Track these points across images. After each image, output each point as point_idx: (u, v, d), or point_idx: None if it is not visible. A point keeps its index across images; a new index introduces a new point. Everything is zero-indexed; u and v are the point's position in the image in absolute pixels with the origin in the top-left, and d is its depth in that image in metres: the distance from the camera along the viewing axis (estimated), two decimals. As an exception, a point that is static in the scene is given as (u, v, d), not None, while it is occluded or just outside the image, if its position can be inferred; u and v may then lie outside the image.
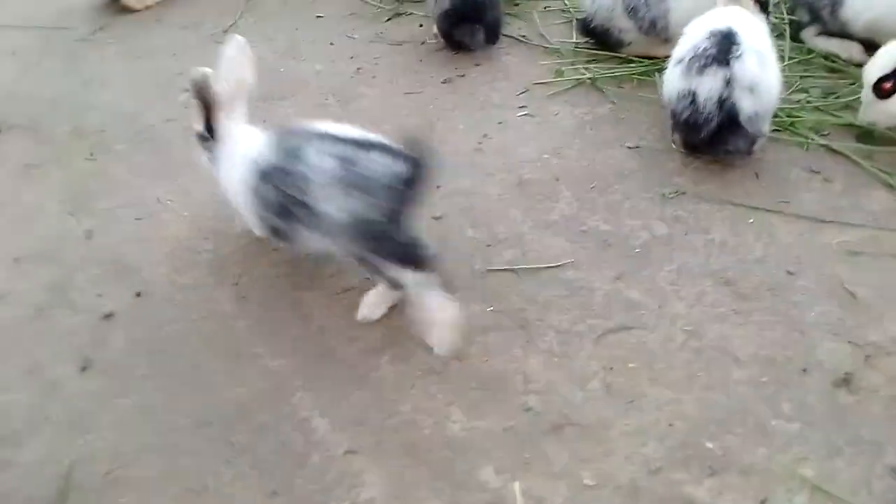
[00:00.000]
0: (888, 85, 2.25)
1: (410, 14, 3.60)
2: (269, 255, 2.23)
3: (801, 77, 2.72)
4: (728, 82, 2.20)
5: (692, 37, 2.32)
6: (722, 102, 2.22)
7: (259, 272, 2.19)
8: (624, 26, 2.85)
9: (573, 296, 2.00)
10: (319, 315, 2.02)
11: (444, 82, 3.05)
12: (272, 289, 2.13)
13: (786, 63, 2.76)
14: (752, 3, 2.42)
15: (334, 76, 3.16)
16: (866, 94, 2.31)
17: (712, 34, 2.26)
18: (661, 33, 2.78)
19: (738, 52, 2.20)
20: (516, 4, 3.49)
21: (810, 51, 2.83)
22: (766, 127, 2.32)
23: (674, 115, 2.35)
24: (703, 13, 2.47)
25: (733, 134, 2.26)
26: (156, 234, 2.37)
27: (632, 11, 2.79)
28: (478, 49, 3.17)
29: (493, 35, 3.19)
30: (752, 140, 2.30)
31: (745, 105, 2.21)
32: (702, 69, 2.24)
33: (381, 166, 1.74)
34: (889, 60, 2.26)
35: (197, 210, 2.45)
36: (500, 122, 2.76)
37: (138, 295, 2.14)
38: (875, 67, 2.28)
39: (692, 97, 2.26)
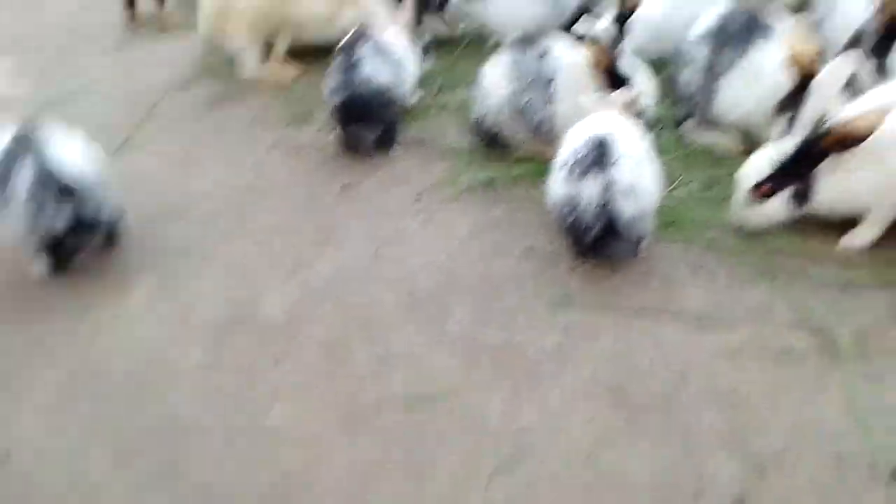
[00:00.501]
0: (765, 189, 2.33)
1: (311, 117, 3.61)
2: None
3: (684, 171, 2.81)
4: (607, 188, 2.25)
5: (572, 143, 2.38)
6: (603, 208, 2.26)
7: None
8: (513, 129, 2.91)
9: (466, 431, 1.94)
10: None
11: (342, 189, 3.04)
12: None
13: (668, 157, 2.86)
14: (626, 108, 2.51)
15: (231, 189, 3.11)
16: (740, 195, 2.39)
17: (590, 140, 2.31)
18: (547, 135, 2.84)
19: (615, 158, 2.26)
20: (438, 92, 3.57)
21: (691, 144, 2.94)
22: (650, 227, 2.37)
23: (559, 220, 2.38)
24: (585, 116, 2.56)
25: (617, 238, 2.30)
26: None
27: (518, 115, 2.85)
28: (373, 152, 3.19)
29: (388, 138, 3.21)
30: (637, 242, 2.35)
31: (626, 209, 2.26)
32: (582, 175, 2.28)
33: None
34: (765, 164, 2.35)
35: None
36: (396, 230, 2.75)
37: None
38: (751, 171, 2.37)
39: (574, 203, 2.29)
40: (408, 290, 2.42)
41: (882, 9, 2.66)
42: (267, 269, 2.63)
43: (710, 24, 2.80)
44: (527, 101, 2.81)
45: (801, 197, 2.33)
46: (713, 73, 2.75)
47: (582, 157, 2.29)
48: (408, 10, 3.45)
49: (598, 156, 2.27)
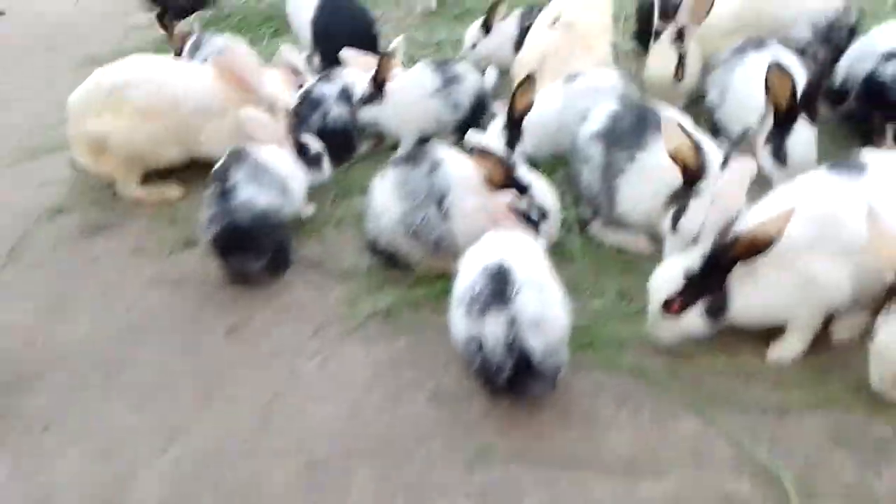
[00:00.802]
0: (677, 305, 2.16)
1: (196, 241, 3.28)
2: None
3: (596, 279, 2.63)
4: (512, 324, 2.02)
5: (466, 274, 2.16)
6: (510, 347, 2.02)
7: None
8: (409, 248, 2.68)
9: None
10: None
11: (228, 331, 2.72)
12: None
13: (578, 264, 2.68)
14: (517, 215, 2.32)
15: (102, 339, 2.75)
16: (654, 309, 2.21)
17: (486, 271, 2.09)
18: (448, 251, 2.63)
19: (516, 288, 2.04)
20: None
21: (600, 245, 2.77)
22: (564, 355, 2.14)
23: (466, 361, 2.14)
24: (485, 231, 2.36)
25: (531, 376, 2.06)
26: None
27: (413, 234, 2.63)
28: (265, 279, 2.89)
29: (279, 263, 2.93)
30: (553, 375, 2.12)
31: (536, 345, 2.03)
32: (482, 312, 2.05)
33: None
34: (674, 277, 2.17)
35: None
36: (291, 375, 2.45)
37: None
38: (661, 284, 2.20)
39: (478, 345, 2.05)
40: (304, 460, 2.11)
41: (772, 96, 2.59)
42: (140, 441, 2.28)
43: (601, 121, 2.67)
44: (421, 220, 2.59)
45: (717, 310, 2.16)
46: (610, 172, 2.60)
47: (479, 291, 2.06)
48: (283, 123, 3.20)
49: (497, 289, 2.05)
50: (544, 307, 2.07)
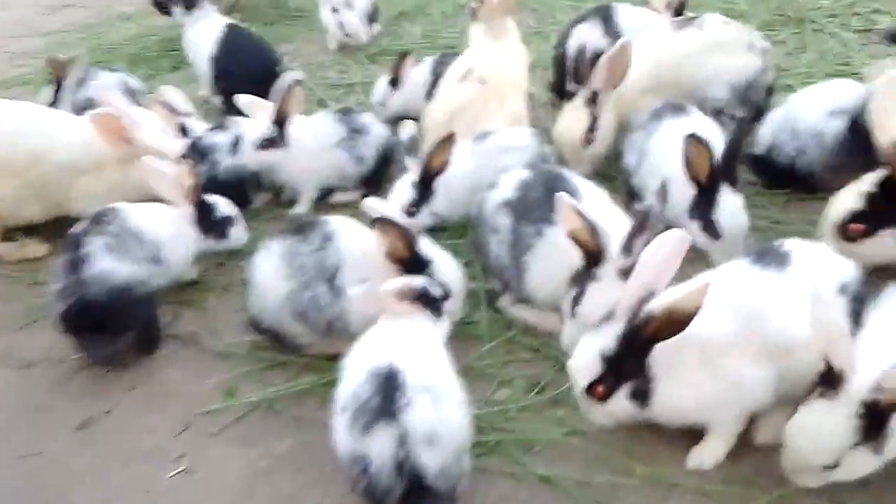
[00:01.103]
0: (600, 392, 1.91)
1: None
2: None
3: (504, 363, 2.37)
4: (402, 440, 1.73)
5: (352, 375, 1.86)
6: (401, 467, 1.73)
7: None
8: (297, 331, 2.36)
9: None
10: None
11: (79, 427, 2.33)
12: None
13: (486, 347, 2.42)
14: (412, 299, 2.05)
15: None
16: (579, 393, 1.96)
17: (372, 376, 1.80)
18: (342, 333, 2.33)
19: (406, 399, 1.75)
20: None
21: (510, 324, 2.52)
22: (465, 467, 1.86)
23: (352, 480, 1.83)
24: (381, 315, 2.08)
25: (424, 497, 1.76)
26: None
27: (301, 316, 2.32)
28: (128, 359, 2.52)
29: (147, 341, 2.57)
30: (450, 492, 1.82)
31: (430, 463, 1.74)
32: (367, 427, 1.75)
33: None
34: (591, 360, 1.91)
35: None
36: (147, 490, 2.08)
37: None
38: (580, 367, 1.94)
39: (364, 463, 1.75)
40: None
41: (691, 168, 2.43)
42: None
43: (510, 189, 2.44)
44: (310, 300, 2.29)
45: (641, 395, 1.93)
46: (518, 247, 2.37)
47: (365, 400, 1.77)
48: (189, 176, 2.80)
49: (385, 399, 1.75)
50: (440, 419, 1.78)
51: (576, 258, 2.17)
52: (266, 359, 2.49)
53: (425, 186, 2.89)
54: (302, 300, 2.29)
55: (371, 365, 1.83)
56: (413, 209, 2.90)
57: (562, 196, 2.12)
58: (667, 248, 1.89)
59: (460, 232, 2.94)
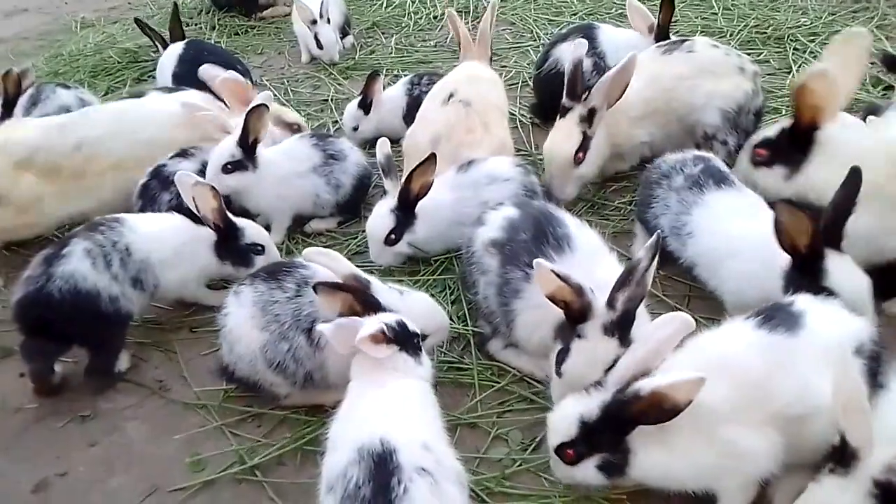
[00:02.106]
0: (570, 454, 1.82)
1: (14, 354, 2.63)
2: None
3: (498, 414, 2.23)
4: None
5: (339, 451, 1.68)
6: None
7: None
8: (273, 380, 2.19)
9: None
10: None
11: (35, 490, 2.13)
12: None
13: (477, 398, 2.28)
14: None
15: None
16: (550, 449, 1.86)
17: (362, 456, 1.62)
18: (321, 384, 2.17)
19: (403, 486, 1.57)
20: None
21: (503, 370, 2.37)
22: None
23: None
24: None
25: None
26: None
27: (279, 367, 2.15)
28: (88, 407, 2.35)
29: (102, 370, 2.42)
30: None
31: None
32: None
33: None
34: (569, 422, 1.81)
35: None
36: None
37: None
38: (557, 424, 1.84)
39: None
40: None
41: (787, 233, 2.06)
42: None
43: (497, 228, 2.29)
44: (287, 351, 2.12)
45: (613, 469, 1.81)
46: (507, 291, 2.22)
47: (354, 485, 1.60)
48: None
49: (380, 488, 1.57)
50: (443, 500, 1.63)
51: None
52: (239, 410, 2.32)
53: (405, 212, 2.73)
54: (279, 352, 2.12)
55: (360, 440, 1.65)
56: (392, 237, 2.76)
57: (539, 263, 1.94)
58: (670, 330, 1.80)
59: (444, 266, 2.80)
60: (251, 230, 2.67)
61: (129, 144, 3.07)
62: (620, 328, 1.93)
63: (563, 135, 2.89)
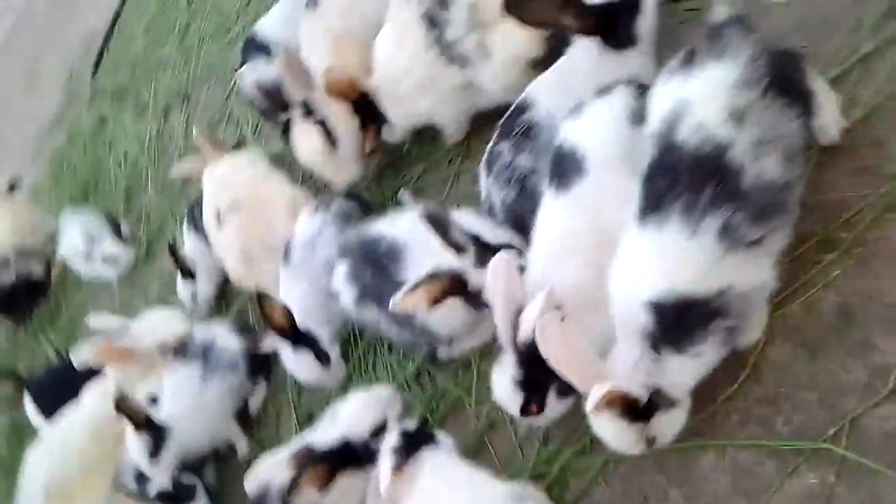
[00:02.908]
0: (534, 409, 1.93)
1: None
2: None
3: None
4: None
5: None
6: None
7: None
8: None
9: None
10: None
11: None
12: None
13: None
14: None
15: None
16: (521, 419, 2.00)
17: None
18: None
19: None
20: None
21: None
22: None
23: None
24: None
25: None
26: None
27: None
28: None
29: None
30: None
31: None
32: None
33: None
34: (513, 389, 1.92)
35: None
36: None
37: None
38: (506, 400, 1.96)
39: None
40: None
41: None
42: None
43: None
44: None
45: (568, 389, 1.82)
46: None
47: None
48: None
49: None
50: None
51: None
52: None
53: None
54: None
55: None
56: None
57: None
58: (501, 274, 1.86)
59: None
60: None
61: None
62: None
63: (302, 136, 2.76)
